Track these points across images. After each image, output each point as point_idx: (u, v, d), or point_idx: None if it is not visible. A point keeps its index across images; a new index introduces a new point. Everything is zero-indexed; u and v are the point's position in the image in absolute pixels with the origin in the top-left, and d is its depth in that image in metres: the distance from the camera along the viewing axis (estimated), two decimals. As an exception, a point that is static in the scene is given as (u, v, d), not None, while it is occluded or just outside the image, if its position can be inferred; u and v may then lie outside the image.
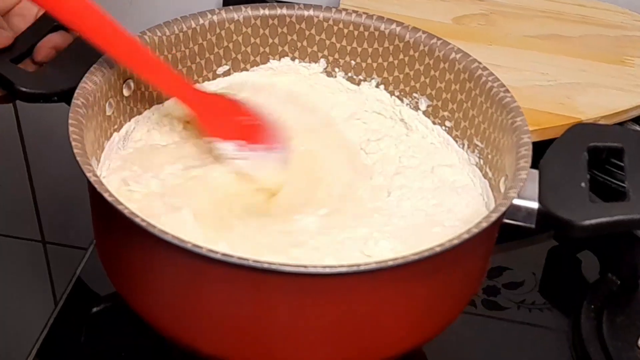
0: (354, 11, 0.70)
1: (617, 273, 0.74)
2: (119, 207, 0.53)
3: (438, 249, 0.52)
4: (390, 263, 0.51)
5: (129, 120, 0.67)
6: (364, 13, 0.70)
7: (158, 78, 0.64)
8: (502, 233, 0.60)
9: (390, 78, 0.71)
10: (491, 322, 0.73)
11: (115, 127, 0.65)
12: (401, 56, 0.70)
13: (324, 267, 0.51)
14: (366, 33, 0.70)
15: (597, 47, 0.90)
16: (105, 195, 0.53)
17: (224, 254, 0.51)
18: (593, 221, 0.56)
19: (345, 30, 0.70)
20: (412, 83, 0.70)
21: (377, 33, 0.70)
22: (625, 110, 0.82)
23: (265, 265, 0.51)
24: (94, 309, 0.71)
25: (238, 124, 0.66)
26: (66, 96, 0.61)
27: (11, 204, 0.89)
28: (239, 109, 0.67)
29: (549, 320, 0.74)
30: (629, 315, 0.71)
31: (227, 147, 0.64)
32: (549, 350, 0.71)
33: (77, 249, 0.80)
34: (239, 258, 0.51)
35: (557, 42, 0.90)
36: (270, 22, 0.70)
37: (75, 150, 0.55)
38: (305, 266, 0.51)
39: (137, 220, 0.52)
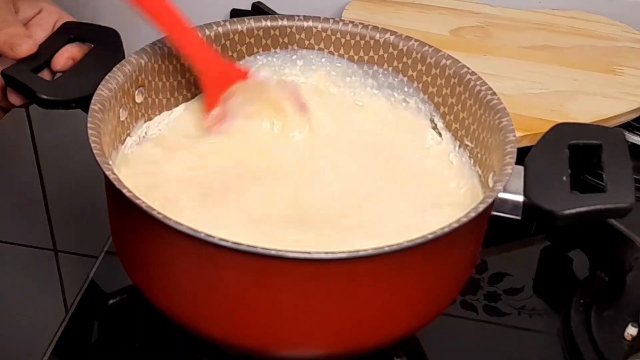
0: (350, 21, 0.76)
1: (605, 270, 0.79)
2: (137, 201, 0.59)
3: (430, 236, 0.59)
4: (387, 249, 0.58)
5: (141, 126, 0.73)
6: (360, 23, 0.76)
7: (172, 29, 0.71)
8: (500, 233, 0.67)
9: (385, 84, 0.77)
10: (492, 328, 0.77)
11: (129, 132, 0.72)
12: (395, 63, 0.76)
13: (327, 252, 0.57)
14: (362, 42, 0.76)
15: (589, 57, 0.94)
16: (124, 191, 0.60)
17: (234, 242, 0.57)
18: (573, 210, 0.63)
19: (343, 40, 0.77)
20: (406, 89, 0.77)
21: (372, 42, 0.76)
22: (613, 116, 0.87)
23: (273, 252, 0.57)
24: (110, 301, 0.76)
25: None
26: (83, 103, 0.67)
27: (24, 214, 0.93)
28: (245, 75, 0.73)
29: (549, 326, 0.77)
30: (616, 309, 0.75)
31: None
32: (548, 355, 0.75)
33: (88, 257, 0.83)
34: (248, 246, 0.57)
35: (550, 53, 0.95)
36: (272, 32, 0.77)
37: (95, 151, 0.62)
38: (309, 252, 0.57)
39: (153, 213, 0.58)
